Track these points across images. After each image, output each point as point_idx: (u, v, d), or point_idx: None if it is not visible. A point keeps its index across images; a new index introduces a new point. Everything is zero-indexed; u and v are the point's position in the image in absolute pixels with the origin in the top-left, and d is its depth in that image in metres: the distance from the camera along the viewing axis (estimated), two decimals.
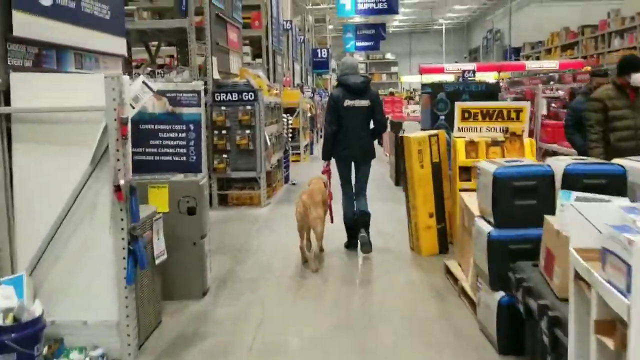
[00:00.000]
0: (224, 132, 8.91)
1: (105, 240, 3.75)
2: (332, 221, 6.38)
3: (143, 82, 3.78)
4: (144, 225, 4.19)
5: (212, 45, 8.91)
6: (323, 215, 6.05)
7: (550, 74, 12.68)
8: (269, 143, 9.13)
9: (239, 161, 9.02)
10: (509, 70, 21.89)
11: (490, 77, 25.64)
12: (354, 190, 6.45)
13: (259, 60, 14.72)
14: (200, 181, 5.09)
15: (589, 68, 11.47)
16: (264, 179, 9.14)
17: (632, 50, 20.17)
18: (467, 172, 6.11)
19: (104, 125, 3.62)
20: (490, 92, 8.04)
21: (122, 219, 3.74)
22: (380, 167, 13.86)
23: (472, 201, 5.11)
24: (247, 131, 8.92)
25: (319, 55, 25.97)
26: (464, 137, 6.23)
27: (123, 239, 3.75)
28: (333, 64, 33.22)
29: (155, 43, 10.39)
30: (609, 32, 21.70)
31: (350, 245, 6.51)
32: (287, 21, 17.20)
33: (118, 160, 3.67)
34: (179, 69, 8.82)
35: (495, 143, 6.14)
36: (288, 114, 11.54)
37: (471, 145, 6.15)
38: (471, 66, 19.63)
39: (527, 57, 28.99)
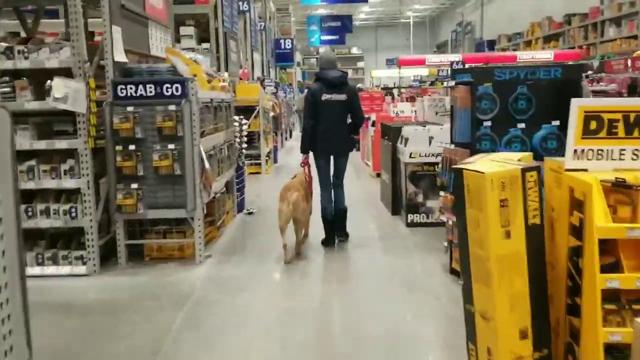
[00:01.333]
0: (132, 147, 5.31)
1: None
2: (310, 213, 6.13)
3: None
4: None
5: (111, 8, 5.29)
6: (307, 208, 5.93)
7: (588, 62, 9.38)
8: (207, 163, 5.54)
9: (159, 193, 5.42)
10: (497, 62, 18.70)
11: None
12: (332, 184, 6.18)
13: (206, 46, 11.11)
14: None
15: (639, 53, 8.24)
16: (199, 219, 5.56)
17: (631, 40, 17.25)
18: (610, 248, 2.69)
19: None
20: (570, 81, 4.64)
21: None
22: (362, 180, 10.39)
23: None
24: (171, 145, 5.33)
25: (283, 47, 22.30)
26: (591, 170, 2.81)
27: None
28: (298, 56, 29.61)
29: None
30: (602, 20, 18.69)
31: (328, 242, 6.14)
32: (243, 1, 13.57)
33: None
34: (53, 44, 5.18)
35: None
36: (241, 117, 7.94)
37: (619, 191, 2.72)
38: (456, 57, 16.36)
39: (503, 50, 25.92)
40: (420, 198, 6.73)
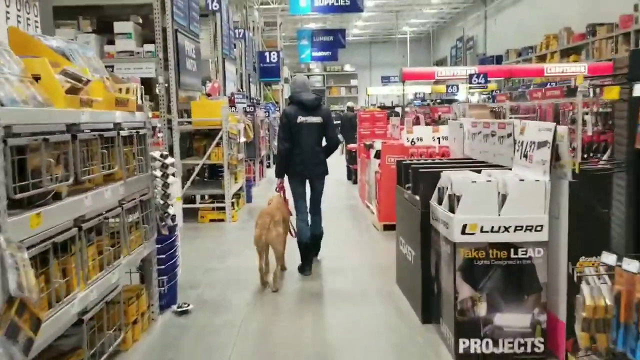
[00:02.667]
0: None
1: None
2: (293, 235, 5.75)
3: None
4: None
5: None
6: (283, 233, 5.42)
7: None
8: (15, 281, 2.30)
9: None
10: (520, 76, 15.73)
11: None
12: (308, 209, 5.86)
13: (149, 48, 7.97)
14: None
15: None
16: None
17: None
18: None
19: None
20: None
21: None
22: (364, 236, 7.05)
23: None
24: None
25: (268, 60, 19.15)
26: None
27: None
28: (287, 72, 26.51)
29: None
30: (637, 30, 15.73)
31: (304, 269, 5.69)
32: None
33: None
34: None
35: None
36: (165, 152, 4.65)
37: None
38: (472, 69, 13.34)
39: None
40: (482, 309, 3.53)
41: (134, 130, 3.97)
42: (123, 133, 3.75)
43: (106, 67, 7.79)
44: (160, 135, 7.81)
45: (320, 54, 28.18)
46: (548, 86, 15.82)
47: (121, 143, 3.69)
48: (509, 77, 14.98)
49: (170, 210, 4.40)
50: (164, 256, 4.53)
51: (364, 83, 34.97)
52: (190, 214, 8.28)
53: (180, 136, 8.31)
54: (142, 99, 4.20)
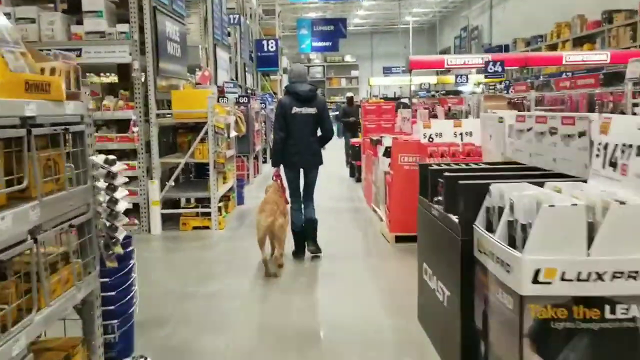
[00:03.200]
0: None
1: None
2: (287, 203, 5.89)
3: None
4: None
5: None
6: (285, 223, 5.46)
7: None
8: None
9: None
10: (537, 65, 14.52)
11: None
12: (302, 197, 5.89)
13: (123, 28, 6.77)
14: None
15: None
16: None
17: None
18: None
19: None
20: None
21: None
22: (371, 249, 5.70)
23: None
24: None
25: (266, 49, 17.88)
26: None
27: None
28: (286, 63, 25.25)
29: None
30: None
31: (298, 253, 5.85)
32: None
33: None
34: None
35: None
36: (112, 156, 3.50)
37: None
38: (487, 56, 12.13)
39: None
40: None
41: (62, 127, 2.78)
42: (39, 131, 2.56)
43: (73, 50, 6.69)
44: (135, 129, 6.64)
45: (320, 44, 26.97)
46: (564, 76, 14.66)
47: (34, 146, 2.50)
48: (524, 66, 13.76)
49: (120, 235, 3.21)
50: (114, 293, 3.36)
51: (365, 74, 33.69)
52: (172, 220, 7.11)
53: (161, 130, 7.14)
54: (77, 83, 3.00)
